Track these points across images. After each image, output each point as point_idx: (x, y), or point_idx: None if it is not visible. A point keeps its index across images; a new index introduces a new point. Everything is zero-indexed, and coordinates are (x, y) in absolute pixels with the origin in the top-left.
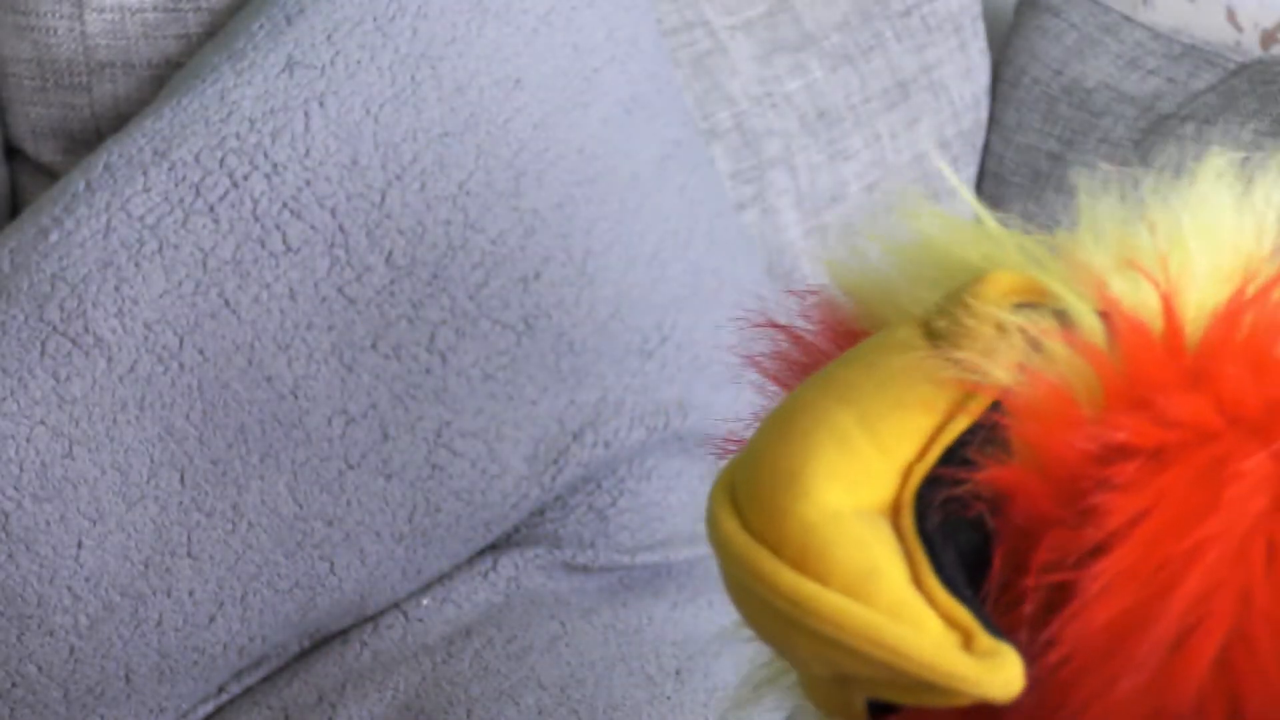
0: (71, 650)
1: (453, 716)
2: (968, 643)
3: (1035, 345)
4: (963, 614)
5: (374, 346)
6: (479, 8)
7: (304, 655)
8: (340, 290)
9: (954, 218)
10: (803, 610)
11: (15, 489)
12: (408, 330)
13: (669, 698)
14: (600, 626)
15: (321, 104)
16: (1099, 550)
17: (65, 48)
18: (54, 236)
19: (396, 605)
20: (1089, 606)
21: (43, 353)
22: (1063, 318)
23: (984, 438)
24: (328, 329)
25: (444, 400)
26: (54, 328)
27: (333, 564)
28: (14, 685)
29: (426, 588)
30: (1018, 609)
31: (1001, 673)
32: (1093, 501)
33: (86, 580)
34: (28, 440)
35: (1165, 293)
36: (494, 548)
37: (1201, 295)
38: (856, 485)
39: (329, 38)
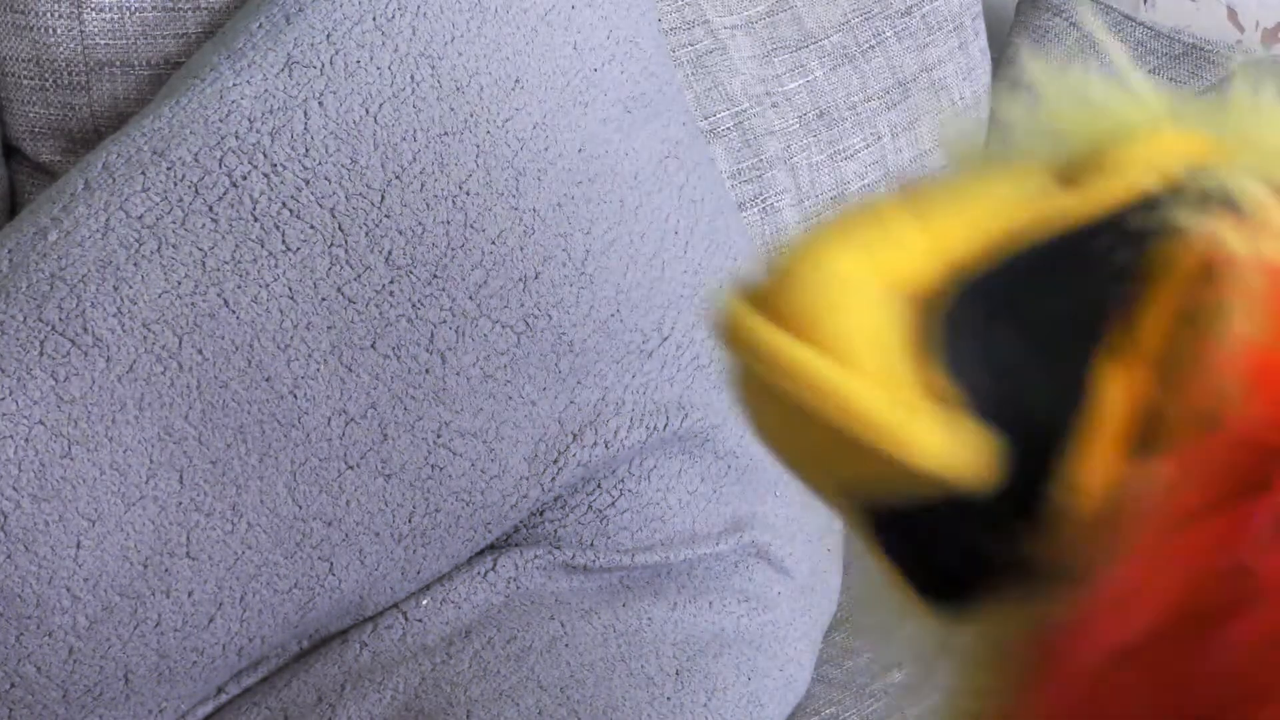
0: (70, 651)
1: (453, 717)
2: (933, 411)
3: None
4: (948, 388)
5: (373, 346)
6: (479, 7)
7: (303, 656)
8: (340, 290)
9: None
10: (779, 371)
11: (14, 489)
12: (407, 330)
13: (669, 698)
14: (600, 627)
15: (321, 103)
16: None
17: (64, 47)
18: (53, 236)
19: (396, 605)
20: None
21: (41, 352)
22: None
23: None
24: (327, 329)
25: (444, 400)
26: (53, 327)
27: (332, 564)
28: (13, 686)
29: (426, 588)
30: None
31: (934, 436)
32: None
33: (85, 581)
34: (27, 440)
35: None
36: (494, 548)
37: None
38: (883, 258)
39: (328, 37)
